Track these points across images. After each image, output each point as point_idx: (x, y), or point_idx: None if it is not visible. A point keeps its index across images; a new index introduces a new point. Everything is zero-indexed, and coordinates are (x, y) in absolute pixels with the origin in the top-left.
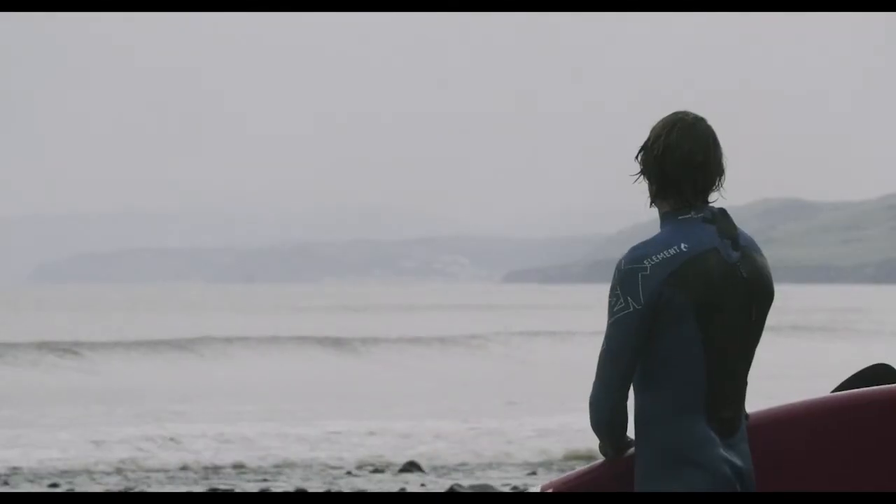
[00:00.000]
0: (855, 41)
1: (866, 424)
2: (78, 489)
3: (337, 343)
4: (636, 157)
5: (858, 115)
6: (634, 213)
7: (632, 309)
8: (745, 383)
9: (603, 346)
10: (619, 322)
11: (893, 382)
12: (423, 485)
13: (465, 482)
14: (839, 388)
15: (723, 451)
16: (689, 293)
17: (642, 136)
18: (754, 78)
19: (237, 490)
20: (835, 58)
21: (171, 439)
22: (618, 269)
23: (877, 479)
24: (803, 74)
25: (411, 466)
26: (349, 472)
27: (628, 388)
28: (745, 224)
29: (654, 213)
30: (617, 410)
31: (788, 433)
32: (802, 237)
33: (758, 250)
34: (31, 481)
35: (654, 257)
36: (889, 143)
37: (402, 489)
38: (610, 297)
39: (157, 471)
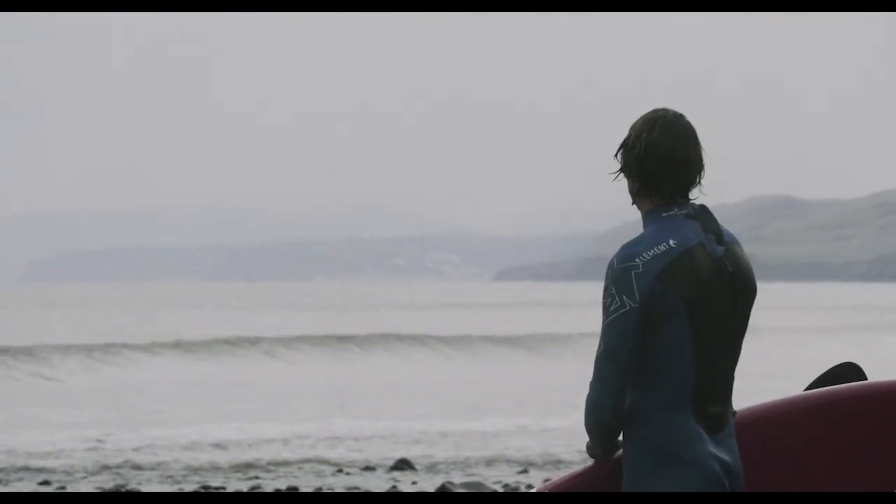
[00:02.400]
0: (849, 40)
1: (852, 420)
2: (69, 487)
3: (330, 342)
4: (615, 156)
5: (850, 114)
6: (624, 212)
7: (628, 308)
8: (733, 379)
9: (600, 346)
10: (616, 321)
11: (860, 381)
12: (414, 482)
13: (457, 479)
14: (810, 388)
15: (711, 448)
16: (680, 289)
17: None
18: (747, 76)
19: (229, 488)
20: (828, 56)
21: (165, 438)
22: (610, 268)
23: (862, 475)
24: (796, 73)
25: (402, 464)
26: (340, 470)
27: (626, 388)
28: (736, 222)
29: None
30: (617, 411)
31: (774, 430)
32: (793, 235)
33: (739, 245)
34: (22, 480)
35: (645, 254)
36: (880, 141)
37: (394, 486)
38: (605, 297)
39: (150, 469)
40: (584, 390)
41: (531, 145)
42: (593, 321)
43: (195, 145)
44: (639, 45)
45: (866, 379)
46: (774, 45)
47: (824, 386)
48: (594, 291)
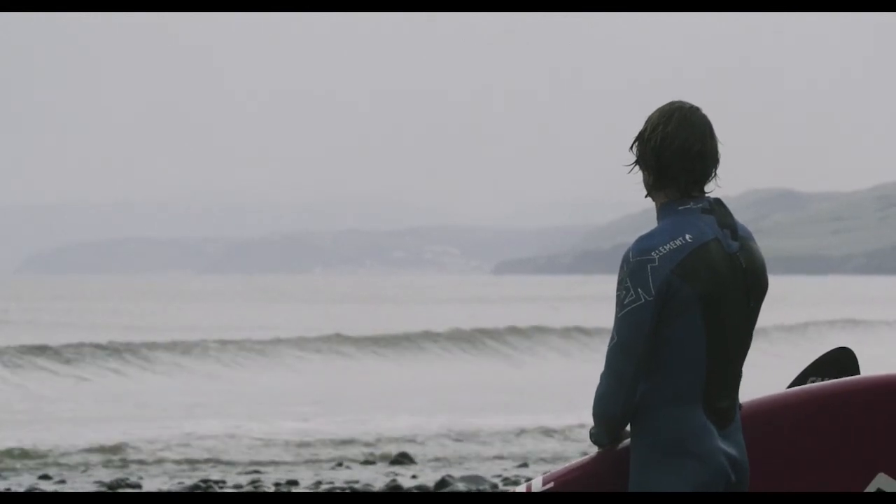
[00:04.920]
0: (847, 33)
1: (846, 414)
2: (69, 481)
3: (331, 339)
4: (631, 148)
5: (849, 106)
6: (625, 204)
7: (643, 301)
8: (741, 374)
9: (613, 338)
10: (631, 314)
11: (853, 365)
12: (414, 476)
13: (456, 473)
14: (802, 374)
15: (719, 442)
16: (696, 283)
17: (635, 126)
18: (747, 68)
19: (228, 482)
20: (827, 49)
21: (165, 433)
22: (626, 261)
23: (854, 468)
24: (796, 65)
25: (403, 458)
26: (340, 464)
27: (639, 381)
28: (736, 214)
29: (646, 203)
30: (629, 402)
31: (769, 424)
32: (792, 228)
33: (753, 240)
34: (21, 474)
35: (661, 248)
36: (879, 133)
37: (393, 480)
38: (619, 289)
39: (151, 463)
40: (587, 387)
41: (531, 137)
42: (592, 315)
43: (194, 137)
44: (638, 38)
45: (857, 364)
46: (774, 38)
47: (818, 370)
48: (594, 284)
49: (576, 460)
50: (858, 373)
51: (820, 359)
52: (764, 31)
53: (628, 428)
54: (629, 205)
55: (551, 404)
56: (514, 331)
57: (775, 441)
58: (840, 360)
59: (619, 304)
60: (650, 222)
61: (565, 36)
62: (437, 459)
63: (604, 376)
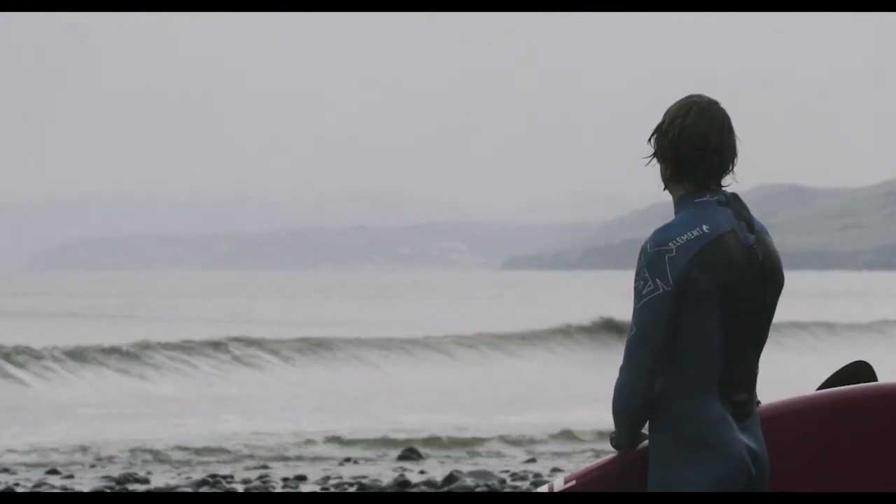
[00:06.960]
0: (855, 28)
1: (864, 420)
2: (77, 476)
3: (334, 339)
4: (649, 141)
5: (858, 102)
6: (632, 200)
7: (661, 291)
8: (757, 368)
9: (632, 330)
10: (650, 304)
11: (872, 379)
12: (422, 471)
13: (465, 468)
14: (823, 387)
15: (739, 434)
16: (714, 274)
17: (639, 122)
18: (754, 64)
19: (237, 478)
20: (835, 44)
21: (172, 429)
22: (643, 252)
23: (874, 474)
24: (803, 60)
25: (410, 453)
26: (347, 459)
27: (659, 372)
28: None
29: (653, 199)
30: (648, 394)
31: (786, 428)
32: (800, 223)
33: (769, 235)
34: (30, 469)
35: (678, 239)
36: (888, 130)
37: (401, 475)
38: (637, 280)
39: (157, 460)
40: (593, 386)
41: (538, 133)
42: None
43: (199, 134)
44: (646, 33)
45: (876, 378)
46: (782, 33)
47: (837, 384)
48: (598, 281)
49: (596, 460)
50: None
51: (838, 372)
52: (773, 26)
53: (645, 430)
54: (636, 201)
55: (557, 401)
56: (522, 331)
57: (805, 443)
58: (859, 374)
59: (638, 294)
60: (657, 218)
61: (572, 33)
62: (445, 455)
63: (623, 369)
